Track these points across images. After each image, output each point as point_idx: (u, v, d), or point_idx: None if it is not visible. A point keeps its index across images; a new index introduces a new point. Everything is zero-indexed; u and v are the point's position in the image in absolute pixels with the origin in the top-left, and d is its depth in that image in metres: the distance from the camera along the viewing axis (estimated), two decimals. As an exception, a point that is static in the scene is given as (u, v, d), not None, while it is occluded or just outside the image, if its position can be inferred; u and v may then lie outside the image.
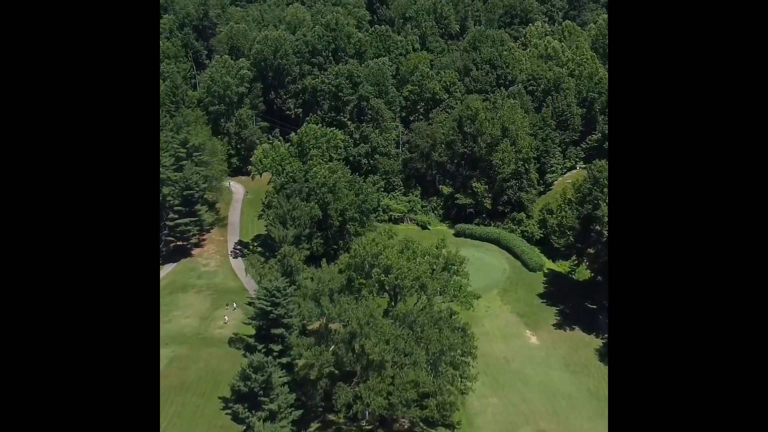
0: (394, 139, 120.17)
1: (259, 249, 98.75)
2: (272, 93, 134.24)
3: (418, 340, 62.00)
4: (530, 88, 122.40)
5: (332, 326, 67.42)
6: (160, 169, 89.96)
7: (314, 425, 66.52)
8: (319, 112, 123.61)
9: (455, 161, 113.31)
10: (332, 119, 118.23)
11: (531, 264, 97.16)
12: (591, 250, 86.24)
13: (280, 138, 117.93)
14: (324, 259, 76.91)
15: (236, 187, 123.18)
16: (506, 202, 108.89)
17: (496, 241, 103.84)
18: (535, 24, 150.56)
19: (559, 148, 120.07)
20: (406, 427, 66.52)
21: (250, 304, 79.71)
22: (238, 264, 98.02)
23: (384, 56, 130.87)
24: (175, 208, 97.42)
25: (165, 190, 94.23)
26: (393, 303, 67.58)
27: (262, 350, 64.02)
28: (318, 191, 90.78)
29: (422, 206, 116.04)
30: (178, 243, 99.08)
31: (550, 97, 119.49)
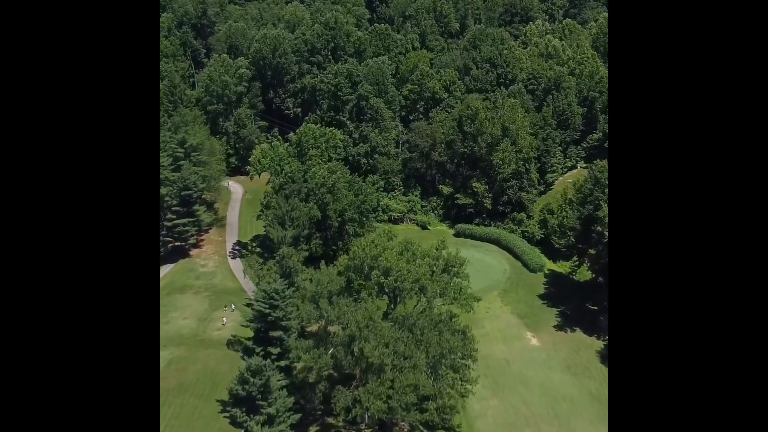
0: (393, 139, 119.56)
1: (258, 250, 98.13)
2: (271, 92, 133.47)
3: (418, 343, 61.52)
4: (531, 87, 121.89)
5: (331, 329, 66.85)
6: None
7: (313, 429, 65.96)
8: (318, 112, 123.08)
9: (455, 161, 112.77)
10: (331, 119, 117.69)
11: (531, 265, 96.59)
12: (592, 251, 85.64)
13: (279, 137, 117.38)
14: (323, 260, 76.55)
15: (235, 186, 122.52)
16: (506, 202, 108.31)
17: (496, 242, 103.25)
18: (536, 22, 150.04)
19: (559, 148, 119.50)
20: (405, 430, 66.04)
21: (248, 305, 79.30)
22: (236, 264, 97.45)
23: (383, 55, 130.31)
24: (173, 208, 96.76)
25: (163, 190, 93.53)
26: (392, 305, 67.10)
27: (261, 353, 63.47)
28: (317, 192, 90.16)
29: (422, 206, 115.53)
30: (176, 243, 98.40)
31: (550, 96, 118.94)
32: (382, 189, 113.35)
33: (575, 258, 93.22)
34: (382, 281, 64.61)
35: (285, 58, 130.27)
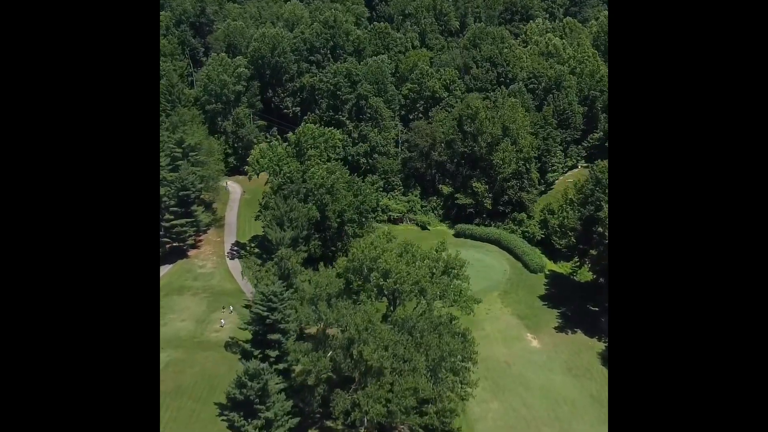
0: (393, 138, 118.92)
1: (256, 250, 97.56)
2: (270, 91, 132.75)
3: (418, 345, 60.89)
4: (531, 86, 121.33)
5: (330, 331, 66.22)
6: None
7: (311, 432, 65.46)
8: (317, 111, 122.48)
9: (455, 160, 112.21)
10: (330, 118, 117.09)
11: (532, 265, 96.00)
12: (593, 252, 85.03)
13: (278, 137, 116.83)
14: (322, 262, 75.95)
15: (233, 186, 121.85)
16: (507, 202, 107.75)
17: (496, 242, 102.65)
18: (536, 21, 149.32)
19: (560, 147, 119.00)
20: (405, 433, 65.45)
21: (246, 306, 78.68)
22: (234, 265, 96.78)
23: (383, 54, 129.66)
24: (171, 208, 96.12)
25: (161, 190, 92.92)
26: (392, 308, 66.55)
27: (259, 356, 62.86)
28: (316, 192, 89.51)
29: (422, 206, 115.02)
30: (174, 244, 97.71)
31: (551, 95, 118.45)
32: (381, 189, 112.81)
33: (576, 259, 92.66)
34: (381, 283, 64.04)
35: (284, 57, 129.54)
